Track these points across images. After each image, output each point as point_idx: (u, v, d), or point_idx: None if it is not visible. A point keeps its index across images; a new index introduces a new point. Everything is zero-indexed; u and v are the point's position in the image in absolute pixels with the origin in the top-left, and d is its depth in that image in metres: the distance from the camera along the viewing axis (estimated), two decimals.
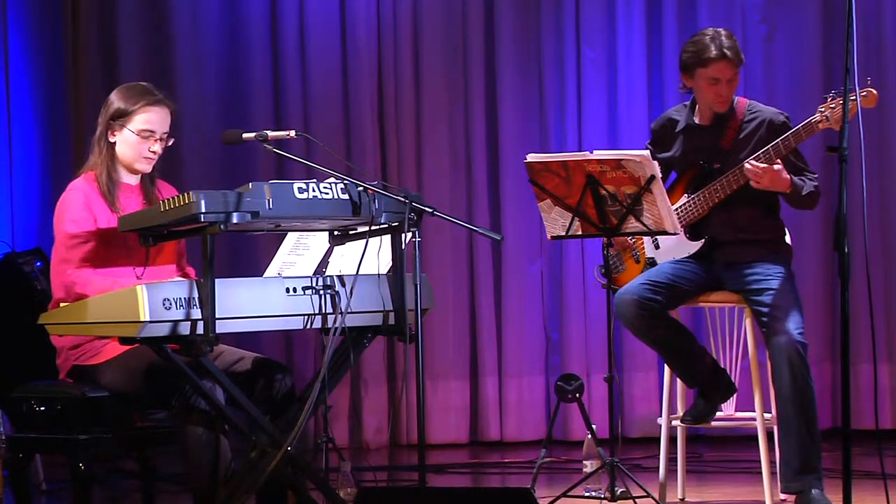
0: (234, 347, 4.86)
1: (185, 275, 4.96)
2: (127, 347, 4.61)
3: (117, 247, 4.75)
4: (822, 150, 6.23)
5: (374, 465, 7.04)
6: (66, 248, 4.73)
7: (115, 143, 4.84)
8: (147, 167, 4.88)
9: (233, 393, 4.56)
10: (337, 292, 4.61)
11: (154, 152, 4.85)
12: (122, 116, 4.82)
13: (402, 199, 4.62)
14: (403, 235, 4.71)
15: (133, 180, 4.91)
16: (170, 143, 4.90)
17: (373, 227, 4.62)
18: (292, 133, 4.78)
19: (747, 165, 5.29)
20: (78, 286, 4.64)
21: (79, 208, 4.76)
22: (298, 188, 4.48)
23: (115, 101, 4.85)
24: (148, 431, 4.82)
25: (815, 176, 5.46)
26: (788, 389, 5.22)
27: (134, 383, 4.64)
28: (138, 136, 4.82)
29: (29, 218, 7.59)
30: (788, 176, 5.31)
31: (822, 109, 5.26)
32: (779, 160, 5.29)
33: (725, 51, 5.39)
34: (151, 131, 4.83)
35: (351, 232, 4.80)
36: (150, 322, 4.24)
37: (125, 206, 4.81)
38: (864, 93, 5.25)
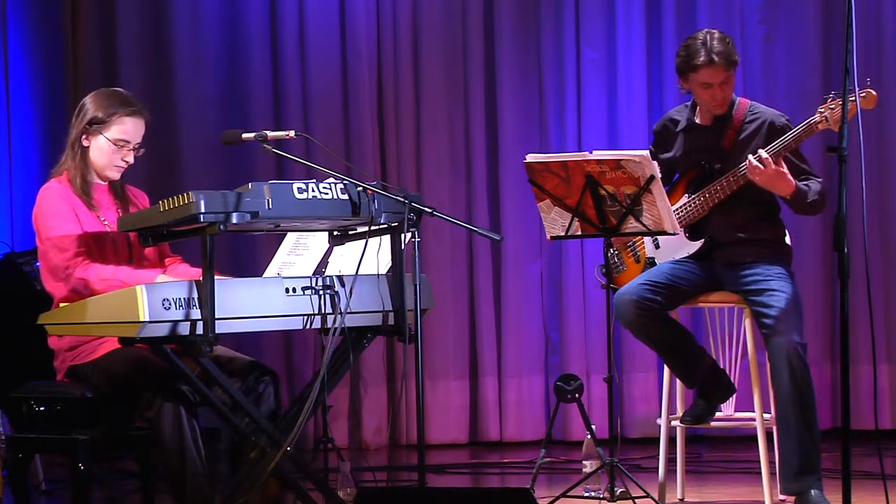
0: (224, 348, 4.84)
1: (162, 261, 5.00)
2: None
3: (103, 244, 4.78)
4: (821, 151, 6.24)
5: (374, 466, 7.03)
6: (58, 250, 4.73)
7: (88, 147, 4.88)
8: (117, 175, 4.94)
9: (232, 393, 4.56)
10: (336, 292, 4.61)
11: (126, 161, 4.91)
12: (98, 123, 4.86)
13: (402, 200, 4.62)
14: (403, 236, 4.71)
15: (103, 181, 4.96)
16: (140, 153, 4.94)
17: (372, 228, 4.63)
18: (292, 133, 4.78)
19: (751, 157, 5.27)
20: (91, 281, 4.66)
21: (62, 210, 4.79)
22: (298, 188, 4.49)
23: (92, 107, 4.89)
24: (148, 431, 4.83)
25: (820, 180, 5.45)
26: (788, 390, 5.22)
27: (124, 376, 4.65)
28: (113, 145, 4.86)
29: (29, 218, 7.54)
30: (793, 181, 5.30)
31: (822, 110, 5.25)
32: (780, 162, 5.29)
33: (714, 56, 5.37)
34: (126, 141, 4.88)
35: (350, 232, 4.80)
36: (150, 322, 4.25)
37: (100, 204, 4.87)
38: (864, 94, 5.24)
